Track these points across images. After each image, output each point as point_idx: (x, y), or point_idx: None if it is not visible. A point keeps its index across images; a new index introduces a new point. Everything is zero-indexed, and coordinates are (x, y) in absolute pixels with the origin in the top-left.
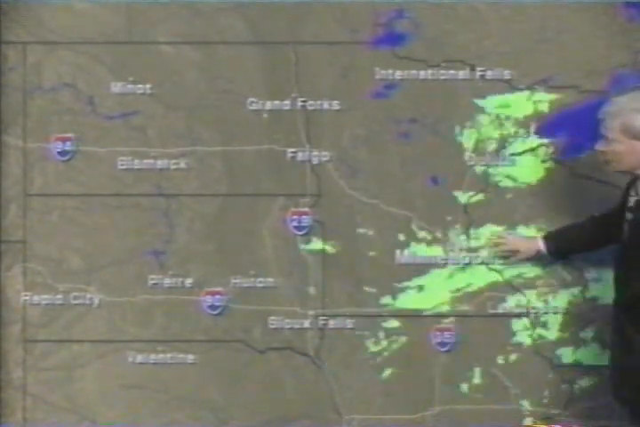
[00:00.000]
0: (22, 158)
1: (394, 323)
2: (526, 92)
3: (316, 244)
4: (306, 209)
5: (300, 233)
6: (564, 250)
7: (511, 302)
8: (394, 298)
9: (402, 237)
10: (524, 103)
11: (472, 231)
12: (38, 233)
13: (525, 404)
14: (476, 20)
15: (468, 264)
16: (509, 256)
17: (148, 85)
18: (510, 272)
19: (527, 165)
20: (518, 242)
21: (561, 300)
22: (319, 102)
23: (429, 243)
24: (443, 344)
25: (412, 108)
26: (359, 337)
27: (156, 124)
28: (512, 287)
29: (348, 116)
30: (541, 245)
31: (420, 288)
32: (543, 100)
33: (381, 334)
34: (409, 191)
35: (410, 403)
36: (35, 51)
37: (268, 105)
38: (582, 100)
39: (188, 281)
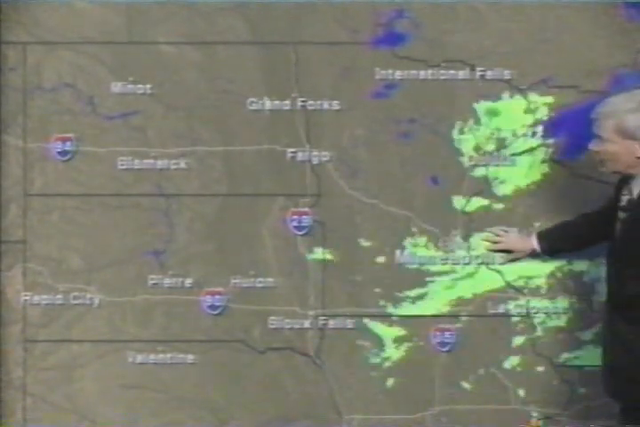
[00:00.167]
0: (22, 158)
1: (394, 323)
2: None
3: (317, 247)
4: (306, 209)
5: (300, 233)
6: (557, 248)
7: (511, 303)
8: (394, 299)
9: (402, 236)
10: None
11: (472, 231)
12: (38, 233)
13: (525, 404)
14: (476, 20)
15: (468, 264)
16: (503, 254)
17: (148, 85)
18: (510, 272)
19: (527, 165)
20: (513, 241)
21: (561, 300)
22: (319, 102)
23: (429, 242)
24: (443, 344)
25: (411, 108)
26: (359, 337)
27: (155, 124)
28: (512, 288)
29: (348, 116)
30: (535, 244)
31: (421, 297)
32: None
33: (381, 335)
34: (409, 191)
35: (410, 403)
36: (35, 51)
37: (268, 105)
38: (582, 100)
39: (188, 281)
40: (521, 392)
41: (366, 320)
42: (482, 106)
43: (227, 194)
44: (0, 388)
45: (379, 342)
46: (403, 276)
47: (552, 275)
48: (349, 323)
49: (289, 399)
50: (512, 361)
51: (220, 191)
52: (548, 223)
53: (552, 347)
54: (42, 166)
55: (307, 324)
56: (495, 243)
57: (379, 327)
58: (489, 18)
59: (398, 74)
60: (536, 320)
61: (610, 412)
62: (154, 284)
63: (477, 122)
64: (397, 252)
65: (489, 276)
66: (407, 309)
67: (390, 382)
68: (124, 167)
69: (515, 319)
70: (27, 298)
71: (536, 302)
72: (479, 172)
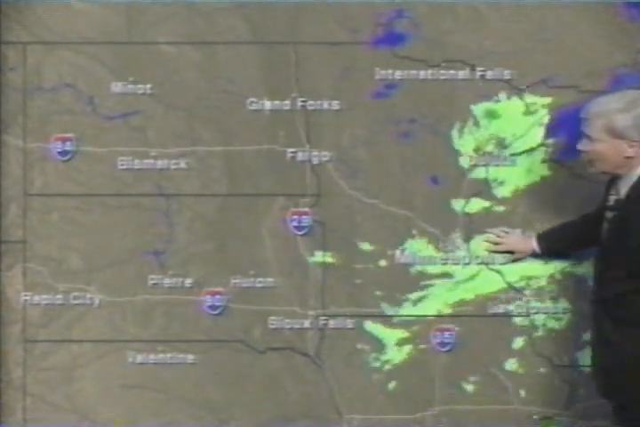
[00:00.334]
0: (22, 158)
1: (394, 323)
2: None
3: (317, 247)
4: (306, 209)
5: (300, 233)
6: (556, 249)
7: (512, 303)
8: (394, 299)
9: (402, 236)
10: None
11: (472, 231)
12: (38, 233)
13: (525, 404)
14: (476, 20)
15: (468, 264)
16: (505, 255)
17: (148, 85)
18: (511, 273)
19: (527, 166)
20: (514, 242)
21: (561, 301)
22: (319, 102)
23: (429, 243)
24: (443, 344)
25: (411, 108)
26: (359, 337)
27: (155, 125)
28: (513, 288)
29: (348, 116)
30: (535, 246)
31: (421, 297)
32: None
33: (381, 334)
34: (409, 191)
35: (410, 403)
36: (35, 51)
37: (268, 105)
38: (582, 101)
39: (188, 281)
40: (521, 392)
41: (366, 320)
42: (481, 107)
43: (227, 194)
44: (0, 388)
45: (378, 342)
46: (403, 276)
47: (552, 275)
48: (349, 323)
49: (289, 399)
50: (512, 361)
51: (220, 191)
52: (548, 223)
53: (552, 347)
54: (42, 166)
55: (307, 324)
56: (496, 244)
57: (378, 328)
58: (489, 18)
59: (398, 74)
60: (536, 321)
61: (609, 412)
62: (154, 284)
63: (477, 122)
64: (397, 252)
65: (489, 276)
66: (407, 309)
67: (390, 382)
68: (123, 167)
69: (515, 320)
70: (27, 298)
71: (536, 303)
72: (479, 172)
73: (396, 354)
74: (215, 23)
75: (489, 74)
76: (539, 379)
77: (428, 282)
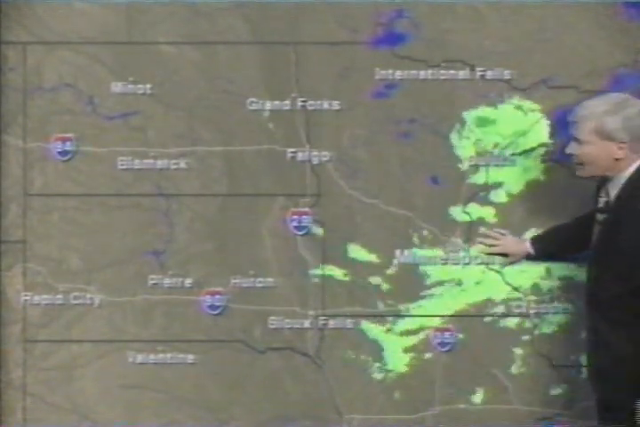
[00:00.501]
0: (22, 158)
1: (394, 323)
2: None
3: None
4: (306, 209)
5: (300, 233)
6: (551, 252)
7: (512, 303)
8: (395, 299)
9: (402, 236)
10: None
11: (472, 232)
12: (38, 233)
13: (525, 404)
14: (476, 20)
15: (468, 264)
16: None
17: (148, 85)
18: (511, 273)
19: (527, 165)
20: (509, 244)
21: (561, 301)
22: (319, 102)
23: (429, 243)
24: (443, 344)
25: (411, 108)
26: (359, 337)
27: (155, 125)
28: (513, 288)
29: (348, 116)
30: (529, 249)
31: (421, 297)
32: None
33: (381, 334)
34: (409, 191)
35: (410, 403)
36: (35, 51)
37: (268, 105)
38: (582, 101)
39: (188, 281)
40: (521, 392)
41: (366, 320)
42: (481, 107)
43: (227, 194)
44: (0, 388)
45: (378, 343)
46: (402, 276)
47: (552, 275)
48: (349, 323)
49: (289, 399)
50: (512, 362)
51: (220, 191)
52: (548, 223)
53: (552, 347)
54: (42, 166)
55: (307, 324)
56: (491, 246)
57: (378, 328)
58: (489, 18)
59: (398, 74)
60: (536, 321)
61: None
62: (154, 284)
63: (477, 123)
64: (397, 252)
65: (489, 276)
66: (407, 309)
67: (390, 382)
68: (123, 167)
69: (515, 320)
70: (27, 298)
71: (536, 303)
72: (479, 172)
73: (396, 354)
74: (215, 23)
75: (489, 74)
76: (539, 379)
77: (427, 282)
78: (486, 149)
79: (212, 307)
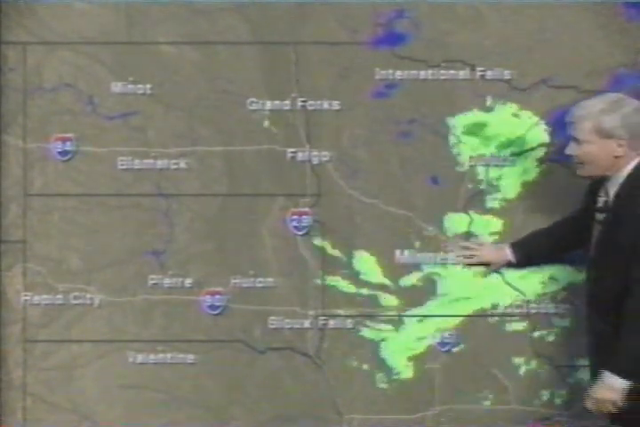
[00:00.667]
0: (22, 158)
1: (393, 323)
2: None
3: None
4: (306, 209)
5: (300, 233)
6: (533, 258)
7: (512, 303)
8: (394, 299)
9: (402, 236)
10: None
11: (472, 232)
12: (38, 233)
13: (525, 404)
14: (476, 20)
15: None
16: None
17: (148, 85)
18: (510, 272)
19: (527, 166)
20: (486, 254)
21: (562, 300)
22: (319, 102)
23: (429, 243)
24: (443, 344)
25: (411, 108)
26: (359, 337)
27: (155, 125)
28: (513, 288)
29: (348, 116)
30: (510, 255)
31: (421, 297)
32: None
33: (381, 334)
34: (409, 191)
35: (410, 403)
36: (35, 51)
37: (268, 105)
38: (582, 101)
39: (188, 281)
40: (521, 392)
41: (366, 320)
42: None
43: (227, 194)
44: (0, 388)
45: (378, 343)
46: (402, 276)
47: (553, 275)
48: (349, 323)
49: (289, 399)
50: (512, 361)
51: (220, 191)
52: (547, 223)
53: (552, 347)
54: (42, 166)
55: (307, 324)
56: (470, 256)
57: (378, 328)
58: (489, 18)
59: (398, 74)
60: (536, 321)
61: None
62: (154, 284)
63: (477, 123)
64: (397, 252)
65: (490, 277)
66: (407, 309)
67: (390, 382)
68: (124, 167)
69: (515, 319)
70: (27, 298)
71: (537, 303)
72: (479, 172)
73: (396, 354)
74: (215, 23)
75: (489, 74)
76: (539, 379)
77: (427, 282)
78: (486, 149)
79: (212, 307)
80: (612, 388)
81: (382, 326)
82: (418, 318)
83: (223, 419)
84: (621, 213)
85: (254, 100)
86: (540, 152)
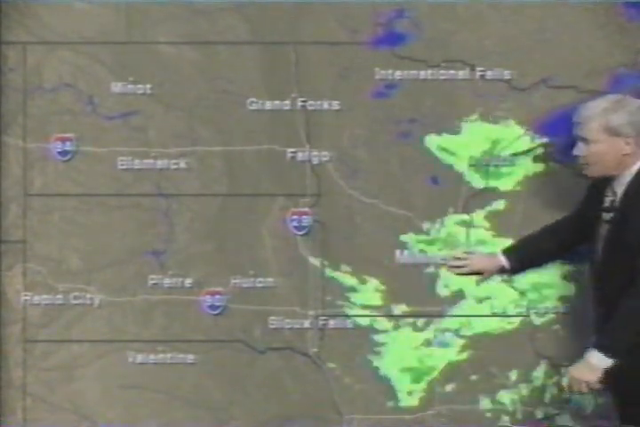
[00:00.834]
0: (22, 158)
1: (393, 323)
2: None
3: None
4: (306, 209)
5: (300, 233)
6: (526, 262)
7: (511, 302)
8: (394, 299)
9: (402, 236)
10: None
11: (472, 231)
12: (38, 233)
13: (525, 404)
14: (476, 20)
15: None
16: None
17: (148, 85)
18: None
19: (527, 165)
20: (478, 263)
21: (561, 300)
22: (319, 102)
23: (429, 243)
24: (442, 344)
25: (411, 108)
26: (359, 337)
27: (155, 125)
28: (512, 287)
29: (348, 116)
30: (504, 261)
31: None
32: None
33: (381, 334)
34: (409, 191)
35: (410, 403)
36: (35, 51)
37: (268, 105)
38: (582, 101)
39: (188, 281)
40: (521, 392)
41: (366, 320)
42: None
43: (227, 194)
44: (0, 388)
45: (378, 343)
46: (402, 275)
47: (552, 275)
48: (349, 323)
49: (289, 399)
50: (512, 361)
51: (220, 191)
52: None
53: (552, 347)
54: (42, 166)
55: (307, 324)
56: (461, 267)
57: (378, 327)
58: (489, 18)
59: (398, 74)
60: (536, 321)
61: (609, 412)
62: (154, 284)
63: (477, 122)
64: (397, 252)
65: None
66: (407, 309)
67: (390, 381)
68: (123, 167)
69: (515, 319)
70: (27, 298)
71: (536, 303)
72: (479, 172)
73: (396, 354)
74: (215, 23)
75: (489, 74)
76: (539, 379)
77: (427, 282)
78: (486, 149)
79: (212, 307)
80: (591, 367)
81: (382, 326)
82: (418, 318)
83: (223, 419)
84: (630, 212)
85: (254, 100)
86: (541, 152)
